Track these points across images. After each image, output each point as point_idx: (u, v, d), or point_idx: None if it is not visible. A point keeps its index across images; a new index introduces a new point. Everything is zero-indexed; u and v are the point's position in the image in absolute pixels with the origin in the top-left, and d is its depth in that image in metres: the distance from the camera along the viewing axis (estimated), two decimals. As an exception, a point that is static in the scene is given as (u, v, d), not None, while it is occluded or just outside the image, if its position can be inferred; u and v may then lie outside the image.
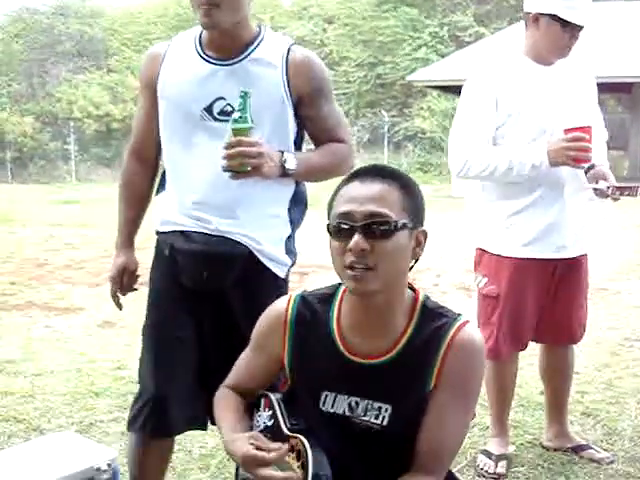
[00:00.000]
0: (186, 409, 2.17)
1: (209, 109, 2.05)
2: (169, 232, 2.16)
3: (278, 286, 2.16)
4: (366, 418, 1.66)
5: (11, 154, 25.89)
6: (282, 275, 2.19)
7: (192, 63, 2.10)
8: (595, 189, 2.72)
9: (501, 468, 2.91)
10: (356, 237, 1.54)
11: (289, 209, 2.19)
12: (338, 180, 1.71)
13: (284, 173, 2.02)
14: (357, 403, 1.67)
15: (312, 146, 2.24)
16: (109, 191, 12.78)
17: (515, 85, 2.74)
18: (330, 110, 2.17)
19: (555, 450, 3.09)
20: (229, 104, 2.02)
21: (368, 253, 1.55)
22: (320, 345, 1.71)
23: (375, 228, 1.55)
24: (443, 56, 22.76)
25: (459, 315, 1.67)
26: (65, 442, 2.51)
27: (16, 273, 7.49)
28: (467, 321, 1.65)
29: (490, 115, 2.73)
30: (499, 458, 2.95)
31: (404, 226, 1.57)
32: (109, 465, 2.29)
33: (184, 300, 2.14)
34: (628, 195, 2.74)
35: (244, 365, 1.86)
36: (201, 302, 2.13)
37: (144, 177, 2.31)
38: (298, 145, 2.19)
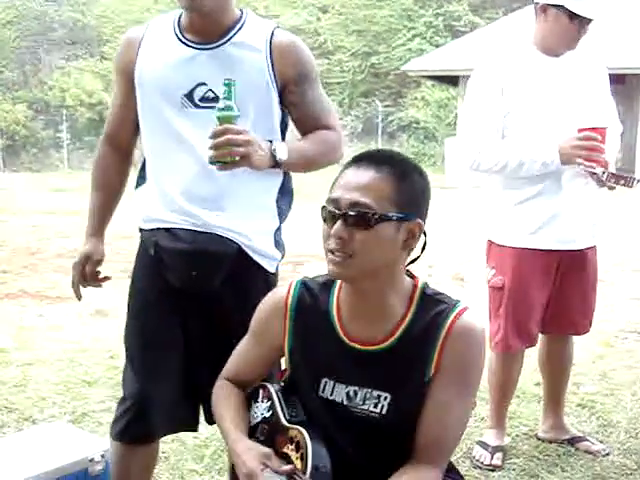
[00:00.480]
0: (170, 413, 2.08)
1: (190, 95, 1.96)
2: (154, 229, 2.05)
3: (268, 281, 2.10)
4: (365, 407, 1.64)
5: (3, 142, 25.74)
6: (272, 270, 2.11)
7: (171, 47, 2.00)
8: (592, 174, 2.70)
9: (497, 459, 2.91)
10: (337, 225, 1.55)
11: (277, 200, 2.11)
12: (329, 169, 1.68)
13: (275, 163, 1.93)
14: (355, 392, 1.65)
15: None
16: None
17: (522, 75, 2.72)
18: (316, 96, 2.07)
19: (551, 442, 3.08)
20: (211, 90, 1.93)
21: (348, 241, 1.54)
22: (320, 331, 1.69)
23: (355, 218, 1.54)
24: (438, 46, 22.71)
25: (458, 302, 1.65)
26: (58, 432, 2.49)
27: (8, 261, 7.44)
28: (466, 307, 1.63)
29: (498, 106, 2.71)
30: (495, 449, 2.95)
31: (387, 218, 1.54)
32: (102, 456, 2.28)
33: (169, 300, 2.04)
34: (623, 185, 2.73)
35: (243, 355, 1.84)
36: (187, 302, 2.03)
37: (118, 166, 2.21)
38: (283, 133, 2.09)
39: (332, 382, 1.67)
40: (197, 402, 2.12)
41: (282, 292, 1.75)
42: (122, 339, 2.18)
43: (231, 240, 1.99)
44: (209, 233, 1.98)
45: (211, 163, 1.82)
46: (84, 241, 2.23)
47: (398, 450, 1.62)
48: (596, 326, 4.67)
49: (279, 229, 2.13)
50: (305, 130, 2.09)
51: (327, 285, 1.72)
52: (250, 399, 1.81)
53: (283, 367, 1.83)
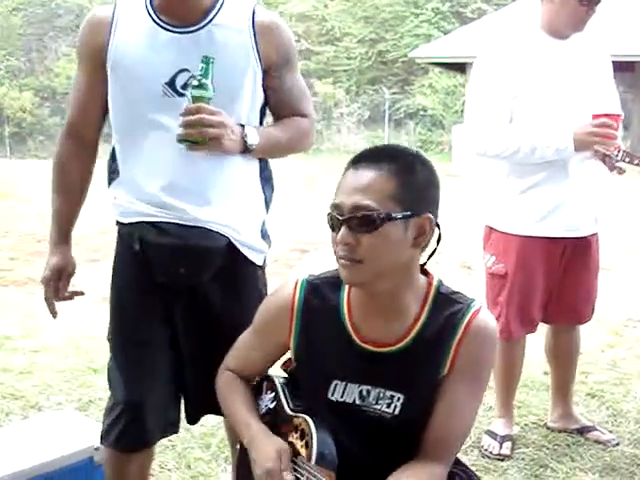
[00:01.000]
0: (162, 416, 1.99)
1: (171, 83, 1.82)
2: (136, 223, 1.90)
3: (256, 275, 2.03)
4: (377, 407, 1.62)
5: (9, 129, 25.75)
6: (260, 263, 2.03)
7: (147, 31, 1.84)
8: (605, 156, 2.66)
9: (506, 449, 2.89)
10: (342, 231, 1.51)
11: (262, 187, 2.02)
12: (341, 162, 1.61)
13: (245, 149, 1.84)
14: (368, 392, 1.62)
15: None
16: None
17: (530, 58, 2.68)
18: (294, 81, 1.98)
19: (560, 431, 3.06)
20: (194, 76, 1.77)
21: (355, 246, 1.50)
22: (330, 332, 1.65)
23: (359, 222, 1.49)
24: (445, 33, 22.59)
25: (473, 301, 1.62)
26: (64, 420, 2.49)
27: (15, 249, 7.43)
28: (481, 307, 1.61)
29: (507, 90, 2.67)
30: (504, 439, 2.93)
31: (392, 218, 1.49)
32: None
33: (154, 297, 1.92)
34: (637, 165, 2.69)
35: (245, 350, 1.80)
36: (173, 298, 1.93)
37: (83, 162, 2.02)
38: (261, 115, 1.99)
39: (343, 384, 1.64)
40: (181, 401, 2.05)
41: (287, 292, 1.70)
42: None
43: (220, 234, 1.90)
44: (198, 227, 1.87)
45: (179, 141, 1.74)
46: (50, 250, 2.05)
47: (405, 449, 1.60)
48: (605, 315, 4.67)
49: (265, 221, 2.05)
50: (280, 115, 2.01)
51: (336, 284, 1.67)
52: (254, 393, 1.79)
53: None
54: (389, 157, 1.55)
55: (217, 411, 1.88)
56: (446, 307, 1.61)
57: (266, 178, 2.05)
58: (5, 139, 25.45)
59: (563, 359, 3.08)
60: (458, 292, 1.65)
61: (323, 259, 5.81)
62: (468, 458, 2.81)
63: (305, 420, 1.60)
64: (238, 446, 1.81)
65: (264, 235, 2.04)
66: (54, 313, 2.08)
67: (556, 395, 3.13)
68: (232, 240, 1.92)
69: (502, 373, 2.95)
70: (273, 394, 1.74)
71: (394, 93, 25.26)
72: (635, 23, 16.21)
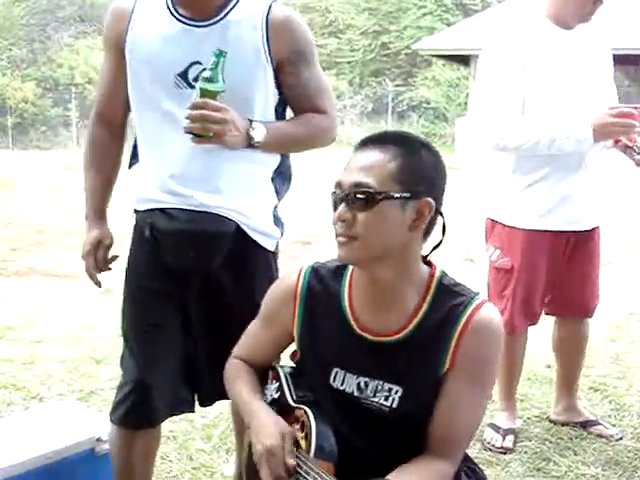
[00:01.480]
0: (170, 397, 2.03)
1: (184, 75, 1.86)
2: (148, 210, 1.97)
3: (268, 260, 2.05)
4: (375, 399, 1.60)
5: (12, 120, 25.73)
6: (271, 248, 2.05)
7: (164, 23, 1.89)
8: (627, 147, 2.65)
9: (508, 442, 2.88)
10: (340, 207, 1.52)
11: (272, 179, 2.04)
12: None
13: (250, 144, 1.85)
14: (366, 384, 1.61)
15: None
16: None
17: (539, 48, 2.66)
18: (311, 76, 1.97)
19: (563, 424, 3.05)
20: (205, 69, 1.79)
21: (351, 223, 1.51)
22: (331, 319, 1.65)
23: (356, 198, 1.50)
24: (449, 25, 22.55)
25: (477, 294, 1.60)
26: (66, 411, 2.48)
27: (16, 239, 7.44)
28: (485, 300, 1.58)
29: (519, 81, 2.63)
30: (507, 432, 2.93)
31: (389, 197, 1.49)
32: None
33: (166, 283, 1.97)
34: None
35: (253, 338, 1.81)
36: (186, 284, 1.97)
37: (112, 144, 2.10)
38: (280, 113, 2.01)
39: (343, 372, 1.63)
40: (194, 384, 2.08)
41: (292, 278, 1.71)
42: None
43: (229, 219, 1.93)
44: (206, 212, 1.91)
45: (186, 132, 1.77)
46: (87, 227, 2.12)
47: (406, 443, 1.58)
48: (607, 308, 4.66)
49: (277, 206, 2.07)
50: (298, 111, 2.01)
51: (338, 272, 1.68)
52: (261, 382, 1.79)
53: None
54: (395, 140, 1.55)
55: (228, 396, 1.90)
56: (448, 299, 1.58)
57: (280, 172, 2.05)
58: (8, 130, 25.44)
59: (570, 351, 3.06)
60: (461, 284, 1.63)
61: (326, 251, 5.82)
62: (471, 451, 2.80)
63: (305, 412, 1.59)
64: (246, 446, 1.79)
65: (276, 221, 2.06)
66: (98, 283, 2.12)
67: (561, 388, 3.12)
68: (241, 225, 1.95)
69: (504, 366, 2.93)
70: (277, 384, 1.73)
71: (397, 85, 25.21)
72: (639, 16, 16.16)
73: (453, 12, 26.39)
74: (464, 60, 18.75)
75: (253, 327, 1.81)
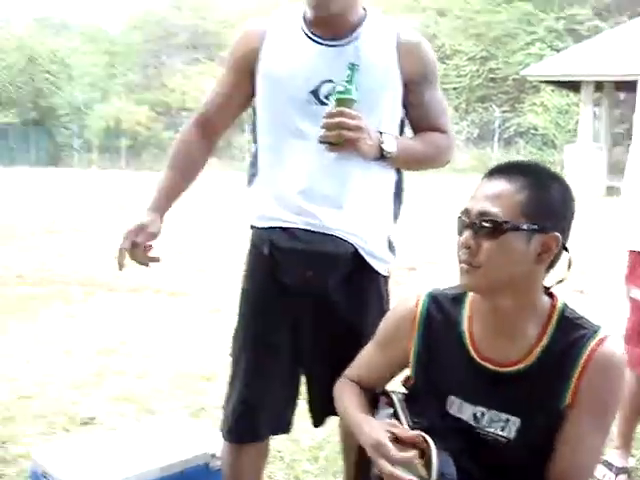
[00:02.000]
0: (274, 419, 2.06)
1: (316, 92, 1.91)
2: (268, 228, 1.99)
3: (380, 285, 2.06)
4: (491, 429, 1.58)
5: (126, 142, 26.75)
6: (384, 273, 2.07)
7: (299, 42, 1.95)
8: None
9: (621, 481, 2.77)
10: (466, 234, 1.52)
11: (393, 199, 2.07)
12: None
13: (381, 155, 1.89)
14: (483, 414, 1.59)
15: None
16: (217, 180, 13.00)
17: None
18: (433, 97, 2.03)
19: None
20: (339, 83, 1.83)
21: (475, 252, 1.51)
22: (450, 347, 1.64)
23: (482, 227, 1.50)
24: (558, 51, 22.10)
25: (599, 327, 1.57)
26: (179, 425, 2.53)
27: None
28: (608, 335, 1.55)
29: None
30: (620, 471, 2.82)
31: (516, 228, 1.48)
32: (223, 452, 2.28)
33: (281, 301, 1.99)
34: None
35: (367, 360, 1.81)
36: (299, 303, 1.98)
37: (202, 151, 2.12)
38: (401, 130, 2.06)
39: (459, 401, 1.62)
40: (295, 404, 2.10)
41: (410, 303, 1.72)
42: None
43: (347, 241, 1.95)
44: (325, 234, 1.93)
45: (320, 142, 1.80)
46: (141, 215, 2.05)
47: (523, 476, 1.56)
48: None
49: (392, 232, 2.09)
50: (418, 130, 2.05)
51: (458, 300, 1.68)
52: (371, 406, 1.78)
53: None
54: (524, 171, 1.55)
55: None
56: (570, 331, 1.56)
57: (399, 190, 2.09)
58: (121, 151, 26.46)
59: None
60: (583, 317, 1.60)
61: (431, 277, 5.75)
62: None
63: (424, 438, 1.58)
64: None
65: (390, 246, 2.07)
66: (121, 265, 1.99)
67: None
68: (358, 248, 1.96)
69: (630, 407, 2.82)
70: (391, 410, 1.72)
71: (504, 111, 24.87)
72: None
73: (563, 38, 25.88)
74: (574, 86, 18.32)
75: (368, 350, 1.82)
